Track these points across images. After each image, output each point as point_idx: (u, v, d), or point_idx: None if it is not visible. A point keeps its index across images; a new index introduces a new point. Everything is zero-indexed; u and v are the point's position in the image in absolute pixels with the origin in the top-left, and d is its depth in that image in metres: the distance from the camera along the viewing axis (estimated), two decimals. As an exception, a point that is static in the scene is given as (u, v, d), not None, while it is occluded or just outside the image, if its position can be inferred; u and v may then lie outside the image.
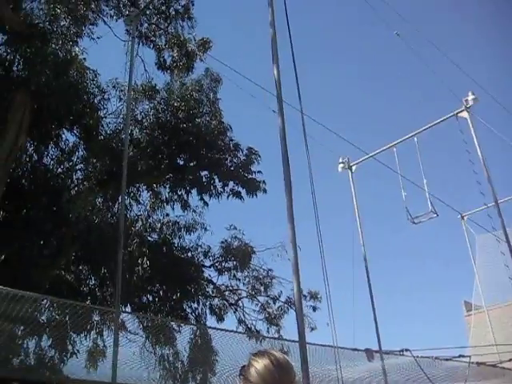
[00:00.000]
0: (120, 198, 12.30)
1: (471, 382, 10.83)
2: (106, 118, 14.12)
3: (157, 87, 15.17)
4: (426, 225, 15.92)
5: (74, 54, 13.88)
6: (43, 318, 9.43)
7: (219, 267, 15.67)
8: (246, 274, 15.96)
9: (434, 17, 33.13)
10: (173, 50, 16.25)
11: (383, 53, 33.05)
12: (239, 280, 15.88)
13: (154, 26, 16.31)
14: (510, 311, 17.91)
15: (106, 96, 14.07)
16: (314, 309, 15.63)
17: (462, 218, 21.62)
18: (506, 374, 12.08)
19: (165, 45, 16.36)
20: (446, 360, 10.19)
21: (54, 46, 13.43)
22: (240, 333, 11.86)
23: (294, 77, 8.15)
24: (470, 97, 15.81)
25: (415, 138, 16.49)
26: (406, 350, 9.19)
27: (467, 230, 20.97)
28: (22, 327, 8.99)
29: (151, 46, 16.32)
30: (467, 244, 21.12)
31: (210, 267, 15.68)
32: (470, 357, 9.91)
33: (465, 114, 15.78)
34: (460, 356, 9.92)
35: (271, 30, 8.73)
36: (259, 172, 15.25)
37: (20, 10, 13.26)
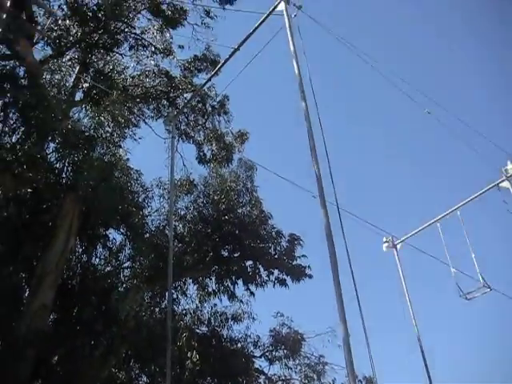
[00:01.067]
0: (167, 294, 12.49)
1: None
2: (150, 215, 14.57)
3: (194, 182, 15.66)
4: (481, 301, 15.48)
5: (118, 156, 14.57)
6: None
7: (270, 357, 15.46)
8: (298, 361, 15.69)
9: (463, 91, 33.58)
10: (212, 144, 16.91)
11: (414, 131, 33.45)
12: (291, 369, 15.60)
13: (192, 122, 17.08)
14: None
15: (149, 194, 14.58)
16: (370, 395, 15.13)
17: (517, 289, 20.89)
18: None
19: (204, 139, 17.05)
20: None
21: (99, 150, 14.15)
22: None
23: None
24: (509, 166, 15.77)
25: (458, 212, 16.38)
26: None
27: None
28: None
29: (191, 142, 17.05)
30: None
31: (260, 357, 15.49)
32: None
33: (506, 184, 15.69)
34: None
35: (306, 122, 9.03)
36: (304, 256, 15.28)
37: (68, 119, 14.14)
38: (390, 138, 36.48)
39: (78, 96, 15.57)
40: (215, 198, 15.04)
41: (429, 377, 14.83)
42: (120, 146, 14.72)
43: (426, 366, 14.86)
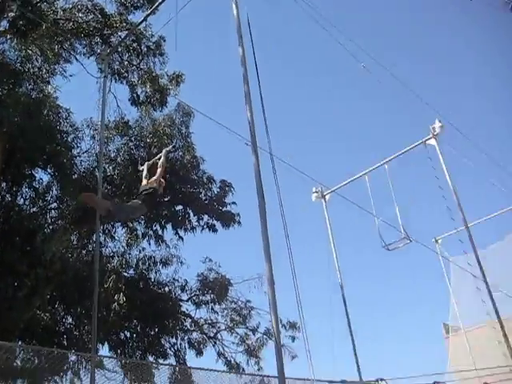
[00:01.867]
0: (95, 236, 12.31)
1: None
2: (79, 156, 14.18)
3: (129, 123, 15.28)
4: (402, 251, 16.14)
5: (46, 93, 13.98)
6: (17, 362, 9.35)
7: (197, 301, 15.65)
8: (224, 306, 15.97)
9: (404, 45, 34.06)
10: (146, 86, 16.43)
11: (352, 86, 33.85)
12: (217, 313, 15.88)
13: (126, 62, 16.49)
14: (487, 333, 18.09)
15: (79, 135, 14.15)
16: (293, 339, 15.66)
17: (436, 241, 21.94)
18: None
19: (138, 81, 16.54)
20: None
21: (26, 86, 13.52)
22: (220, 371, 11.80)
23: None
24: (437, 124, 16.23)
25: (386, 166, 16.81)
26: (381, 379, 9.30)
27: (441, 253, 21.28)
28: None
29: (124, 83, 16.50)
30: (442, 267, 21.43)
31: (187, 301, 15.66)
32: (444, 383, 10.09)
33: (432, 142, 16.18)
34: (435, 383, 10.07)
35: (242, 68, 8.93)
36: (233, 203, 15.39)
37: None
38: (327, 88, 36.74)
39: (3, 25, 14.64)
40: (148, 141, 14.77)
41: (348, 321, 15.45)
42: (49, 83, 14.12)
43: (346, 311, 15.46)
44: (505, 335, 13.71)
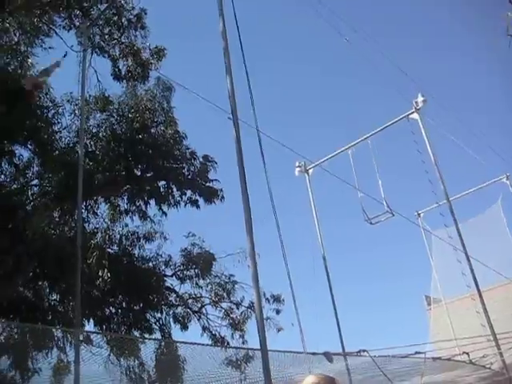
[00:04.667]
0: (77, 212, 12.23)
1: (428, 376, 11.25)
2: (60, 132, 14.01)
3: (110, 98, 15.10)
4: (384, 225, 16.33)
5: (26, 67, 13.74)
6: (1, 338, 9.35)
7: (181, 276, 15.70)
8: (208, 281, 16.03)
9: (385, 19, 33.88)
10: (127, 60, 16.20)
11: (336, 60, 33.72)
12: (202, 287, 15.95)
13: (107, 36, 16.23)
14: (466, 304, 18.46)
15: (59, 110, 13.95)
16: (278, 312, 15.81)
17: (419, 215, 22.22)
18: (461, 367, 12.52)
19: (119, 54, 16.29)
20: (403, 357, 10.54)
21: (3, 59, 13.27)
22: (204, 345, 11.93)
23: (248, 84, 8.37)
24: (420, 98, 16.30)
25: (369, 141, 16.89)
26: (363, 350, 9.45)
27: (423, 226, 21.57)
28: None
29: (106, 56, 16.25)
30: (424, 241, 21.75)
31: (171, 276, 15.69)
32: (425, 353, 10.27)
33: (415, 116, 16.25)
34: (416, 353, 10.26)
35: (223, 41, 8.89)
36: (216, 180, 15.36)
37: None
38: (309, 62, 36.53)
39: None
40: (129, 116, 14.63)
41: (331, 294, 15.65)
42: (28, 57, 13.86)
43: (329, 283, 15.64)
44: (484, 306, 14.02)
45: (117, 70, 16.12)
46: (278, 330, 15.46)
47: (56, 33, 15.41)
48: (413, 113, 16.19)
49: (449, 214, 15.33)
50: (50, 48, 14.60)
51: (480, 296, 14.11)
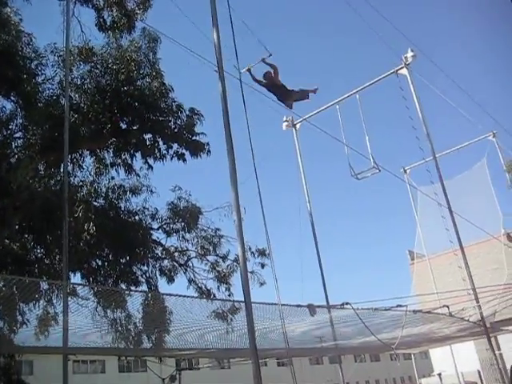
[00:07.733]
0: (63, 165, 12.13)
1: (409, 328, 11.58)
2: (44, 83, 13.74)
3: (94, 49, 14.78)
4: (371, 181, 16.43)
5: (6, 16, 13.33)
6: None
7: (167, 229, 15.78)
8: (195, 234, 16.13)
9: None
10: (112, 10, 15.78)
11: (326, 15, 33.22)
12: (188, 241, 16.06)
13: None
14: (449, 259, 18.82)
15: (43, 61, 13.64)
16: (263, 266, 16.00)
17: (405, 171, 22.38)
18: (441, 319, 12.88)
19: (104, 5, 15.85)
20: (385, 310, 10.83)
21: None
22: (191, 297, 12.09)
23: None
24: (409, 54, 16.17)
25: (357, 96, 16.81)
26: (347, 303, 9.67)
27: (409, 183, 21.76)
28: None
29: (90, 6, 15.82)
30: (410, 197, 21.98)
31: (158, 229, 15.76)
32: (406, 306, 10.53)
33: (404, 71, 16.16)
34: (398, 306, 10.52)
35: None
36: (202, 133, 15.24)
37: None
38: (300, 17, 35.96)
39: None
40: (114, 67, 14.35)
41: (317, 248, 15.86)
42: (7, 5, 13.46)
43: (315, 238, 15.84)
44: (465, 260, 14.30)
45: (101, 20, 15.72)
46: (261, 284, 15.70)
47: (38, -21, 14.95)
48: (402, 68, 16.09)
49: (435, 170, 15.46)
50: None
51: (462, 250, 14.38)
